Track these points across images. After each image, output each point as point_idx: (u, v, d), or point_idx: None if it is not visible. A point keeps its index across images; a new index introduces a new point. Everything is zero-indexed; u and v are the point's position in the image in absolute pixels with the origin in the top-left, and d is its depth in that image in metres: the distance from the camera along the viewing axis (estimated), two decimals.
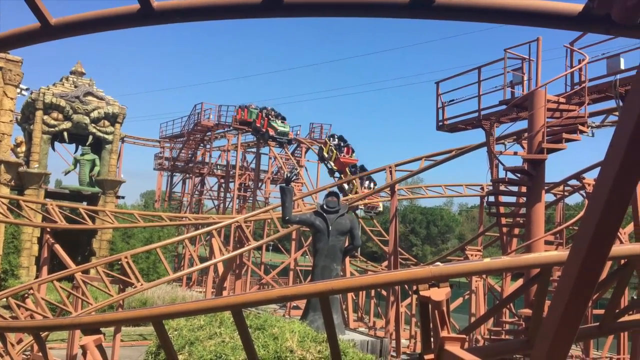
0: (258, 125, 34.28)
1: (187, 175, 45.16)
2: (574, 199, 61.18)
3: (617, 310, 5.37)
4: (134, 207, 59.61)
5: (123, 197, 33.05)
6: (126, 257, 15.16)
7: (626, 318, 5.68)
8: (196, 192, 43.63)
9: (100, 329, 4.54)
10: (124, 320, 5.23)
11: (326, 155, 32.45)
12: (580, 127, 11.49)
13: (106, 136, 29.24)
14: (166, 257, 27.04)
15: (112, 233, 28.96)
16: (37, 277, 21.39)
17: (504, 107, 12.66)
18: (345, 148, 32.27)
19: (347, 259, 21.16)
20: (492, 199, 13.06)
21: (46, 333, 11.36)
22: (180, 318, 7.18)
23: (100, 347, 4.39)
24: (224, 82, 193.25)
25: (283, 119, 35.06)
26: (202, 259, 24.22)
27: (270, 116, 34.36)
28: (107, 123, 29.23)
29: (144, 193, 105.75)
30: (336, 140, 33.06)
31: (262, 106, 35.67)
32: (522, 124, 13.58)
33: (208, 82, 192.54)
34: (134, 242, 29.72)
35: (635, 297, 12.93)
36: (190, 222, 25.27)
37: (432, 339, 4.23)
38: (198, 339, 6.74)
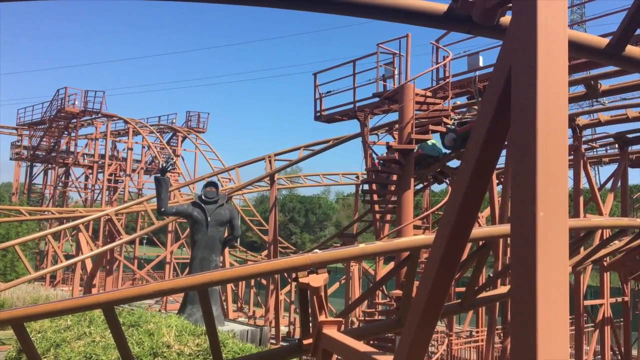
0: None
1: (50, 165, 41.63)
2: (439, 186, 65.60)
3: (476, 288, 5.88)
4: None
5: None
6: None
7: (484, 294, 6.25)
8: (60, 184, 40.41)
9: None
10: None
11: None
12: (445, 119, 12.35)
13: None
14: (26, 254, 24.83)
15: None
16: None
17: (377, 99, 13.23)
18: None
19: (227, 250, 20.92)
20: (366, 187, 13.62)
21: None
22: (44, 319, 6.65)
23: None
24: (87, 67, 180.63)
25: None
26: (68, 256, 22.63)
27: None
28: None
29: None
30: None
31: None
32: (394, 116, 14.30)
33: (71, 66, 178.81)
34: None
35: (491, 275, 14.21)
36: (54, 216, 23.47)
37: (310, 324, 4.34)
38: (65, 340, 6.30)
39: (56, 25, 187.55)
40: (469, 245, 10.71)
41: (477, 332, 16.42)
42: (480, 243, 5.69)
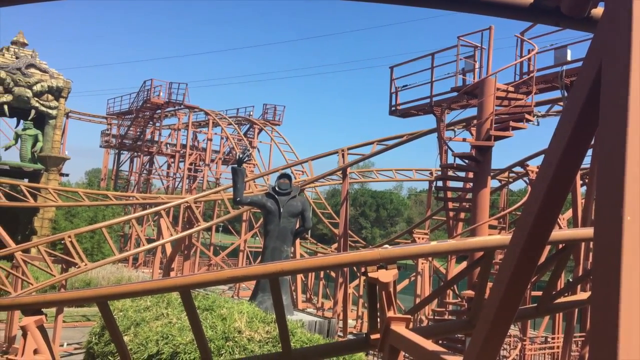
0: None
1: (135, 153, 43.95)
2: (518, 185, 63.54)
3: (553, 292, 5.63)
4: (78, 186, 57.78)
5: (67, 175, 31.97)
6: (70, 237, 14.72)
7: (562, 299, 5.97)
8: (144, 171, 42.58)
9: (42, 309, 4.41)
10: (67, 300, 5.09)
11: None
12: (527, 116, 11.85)
13: (50, 111, 28.03)
14: (112, 237, 26.37)
15: (55, 212, 28.01)
16: None
17: (455, 94, 12.91)
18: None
19: (297, 241, 21.23)
20: (440, 183, 13.36)
21: None
22: (126, 299, 7.05)
23: (41, 328, 4.27)
24: (171, 59, 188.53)
25: None
26: (150, 240, 23.79)
27: None
28: (50, 97, 28.01)
29: (89, 171, 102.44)
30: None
31: None
32: (472, 111, 13.90)
33: (157, 59, 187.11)
34: (78, 221, 28.85)
35: (571, 280, 13.55)
36: (138, 201, 24.73)
37: (378, 319, 4.32)
38: (144, 319, 6.64)
39: (140, 19, 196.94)
40: (547, 247, 10.26)
41: (553, 338, 15.73)
42: (560, 246, 5.43)
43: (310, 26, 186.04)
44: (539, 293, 5.86)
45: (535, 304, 5.61)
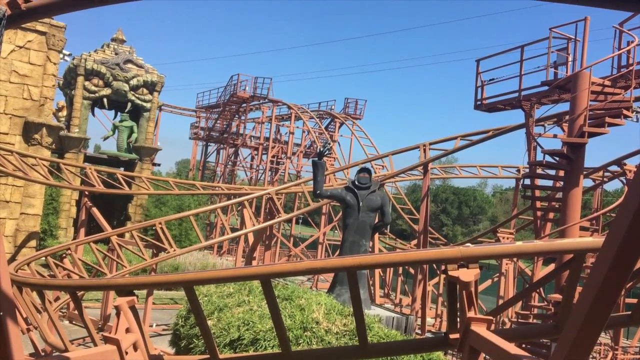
0: None
1: (222, 145, 45.60)
2: (613, 185, 59.64)
3: None
4: (169, 175, 60.82)
5: (159, 165, 33.62)
6: (160, 223, 15.40)
7: None
8: (229, 163, 44.09)
9: (134, 291, 4.67)
10: (156, 283, 5.38)
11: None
12: (625, 112, 11.12)
13: (144, 104, 29.64)
14: (198, 224, 27.54)
15: (146, 199, 29.57)
16: (74, 238, 22.10)
17: (546, 88, 12.32)
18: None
19: (376, 236, 21.13)
20: (528, 181, 12.82)
21: (82, 292, 11.76)
22: (210, 284, 7.33)
23: (133, 309, 4.53)
24: (258, 55, 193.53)
25: None
26: (234, 229, 24.60)
27: None
28: (145, 91, 29.59)
29: (179, 161, 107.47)
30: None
31: None
32: (564, 106, 13.21)
33: (243, 54, 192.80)
34: (167, 209, 30.35)
35: None
36: (223, 192, 25.60)
37: (458, 319, 4.23)
38: (227, 305, 6.88)
39: (226, 16, 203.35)
40: None
41: None
42: None
43: (392, 21, 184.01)
44: (634, 300, 5.49)
45: (630, 312, 5.26)
